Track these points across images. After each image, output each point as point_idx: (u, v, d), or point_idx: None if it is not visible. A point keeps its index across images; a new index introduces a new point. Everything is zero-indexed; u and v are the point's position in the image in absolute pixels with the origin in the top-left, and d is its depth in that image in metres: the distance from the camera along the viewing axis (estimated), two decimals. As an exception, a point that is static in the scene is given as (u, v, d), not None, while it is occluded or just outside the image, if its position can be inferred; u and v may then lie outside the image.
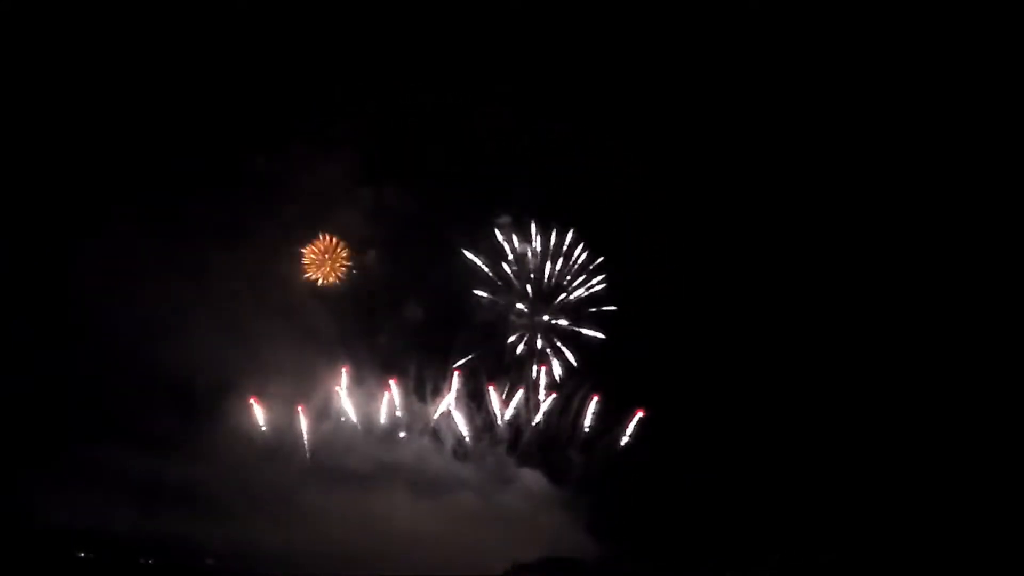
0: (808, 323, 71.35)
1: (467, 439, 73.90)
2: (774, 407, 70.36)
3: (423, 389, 73.75)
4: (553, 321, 74.83)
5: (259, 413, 72.39)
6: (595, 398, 73.36)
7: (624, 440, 72.91)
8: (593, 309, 74.52)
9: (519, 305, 74.90)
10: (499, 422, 74.04)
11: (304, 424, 72.79)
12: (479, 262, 74.59)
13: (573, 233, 74.52)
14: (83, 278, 70.41)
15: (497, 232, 74.69)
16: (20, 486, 68.76)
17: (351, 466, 72.55)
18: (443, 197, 73.62)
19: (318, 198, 74.36)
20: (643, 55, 72.08)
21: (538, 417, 74.05)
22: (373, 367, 73.81)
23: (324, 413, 73.21)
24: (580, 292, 74.84)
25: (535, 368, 74.34)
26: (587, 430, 73.59)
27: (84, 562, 69.12)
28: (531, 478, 73.19)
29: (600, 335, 74.32)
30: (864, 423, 69.52)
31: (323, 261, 75.11)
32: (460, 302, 74.59)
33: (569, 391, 74.16)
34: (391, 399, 73.41)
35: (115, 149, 72.25)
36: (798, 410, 69.96)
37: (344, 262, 75.25)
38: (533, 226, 74.86)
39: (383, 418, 73.43)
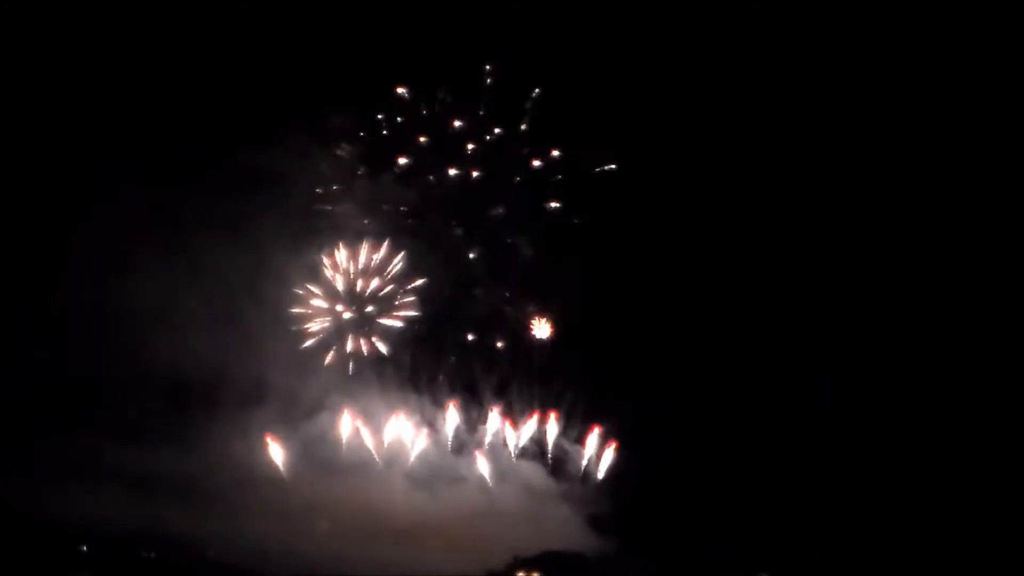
0: (810, 320, 71.47)
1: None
2: (775, 407, 70.62)
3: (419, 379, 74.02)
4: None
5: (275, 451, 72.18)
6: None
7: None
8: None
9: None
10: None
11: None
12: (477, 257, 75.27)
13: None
14: (77, 270, 70.30)
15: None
16: (20, 480, 68.80)
17: (349, 458, 72.72)
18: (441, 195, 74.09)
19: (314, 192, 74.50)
20: (643, 55, 72.36)
21: None
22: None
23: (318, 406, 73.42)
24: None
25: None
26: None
27: (86, 555, 69.48)
28: (531, 472, 73.40)
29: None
30: (864, 423, 69.94)
31: None
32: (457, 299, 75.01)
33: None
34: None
35: (108, 142, 71.52)
36: (799, 410, 70.20)
37: None
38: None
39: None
